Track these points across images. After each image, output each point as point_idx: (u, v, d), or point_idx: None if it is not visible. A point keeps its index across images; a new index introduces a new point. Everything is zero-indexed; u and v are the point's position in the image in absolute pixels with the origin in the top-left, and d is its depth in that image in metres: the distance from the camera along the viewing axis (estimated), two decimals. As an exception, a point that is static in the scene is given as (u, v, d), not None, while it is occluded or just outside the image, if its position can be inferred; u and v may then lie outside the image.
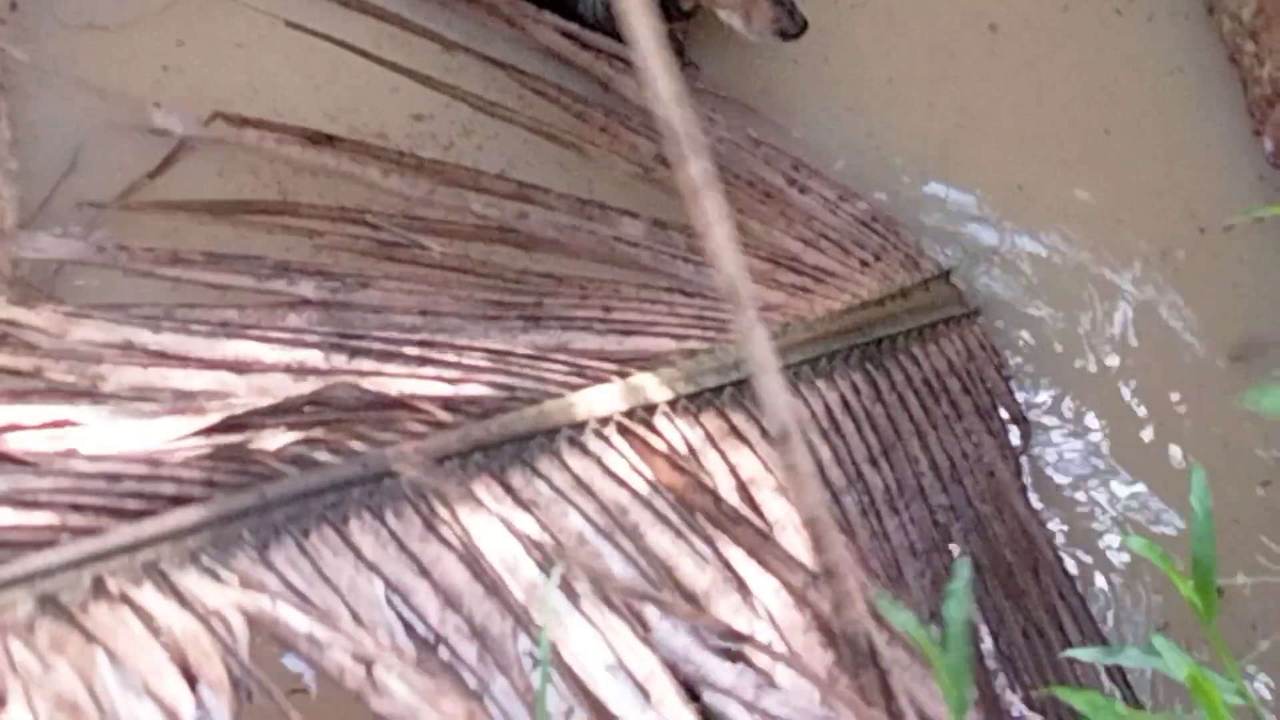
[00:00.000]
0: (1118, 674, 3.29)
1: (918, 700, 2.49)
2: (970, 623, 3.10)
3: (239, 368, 2.96)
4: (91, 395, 2.88)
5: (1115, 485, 3.54)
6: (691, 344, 3.13)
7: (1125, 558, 3.42)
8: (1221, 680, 2.27)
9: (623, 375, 2.97)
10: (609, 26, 3.64)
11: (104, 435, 2.69)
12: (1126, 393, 3.56)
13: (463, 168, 3.52)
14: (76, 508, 2.42)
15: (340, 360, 2.97)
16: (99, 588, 2.29)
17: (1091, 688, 3.22)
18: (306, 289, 3.27)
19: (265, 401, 2.77)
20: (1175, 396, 3.56)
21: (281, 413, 2.74)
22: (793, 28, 3.46)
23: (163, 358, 2.97)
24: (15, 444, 2.64)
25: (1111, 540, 3.49)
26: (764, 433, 3.01)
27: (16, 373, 2.95)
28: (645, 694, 2.50)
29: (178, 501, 2.47)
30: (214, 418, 2.72)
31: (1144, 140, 3.69)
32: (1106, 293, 3.61)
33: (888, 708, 2.17)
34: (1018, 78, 3.74)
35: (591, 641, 2.54)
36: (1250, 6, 3.60)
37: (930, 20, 3.78)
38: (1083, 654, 2.84)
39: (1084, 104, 3.71)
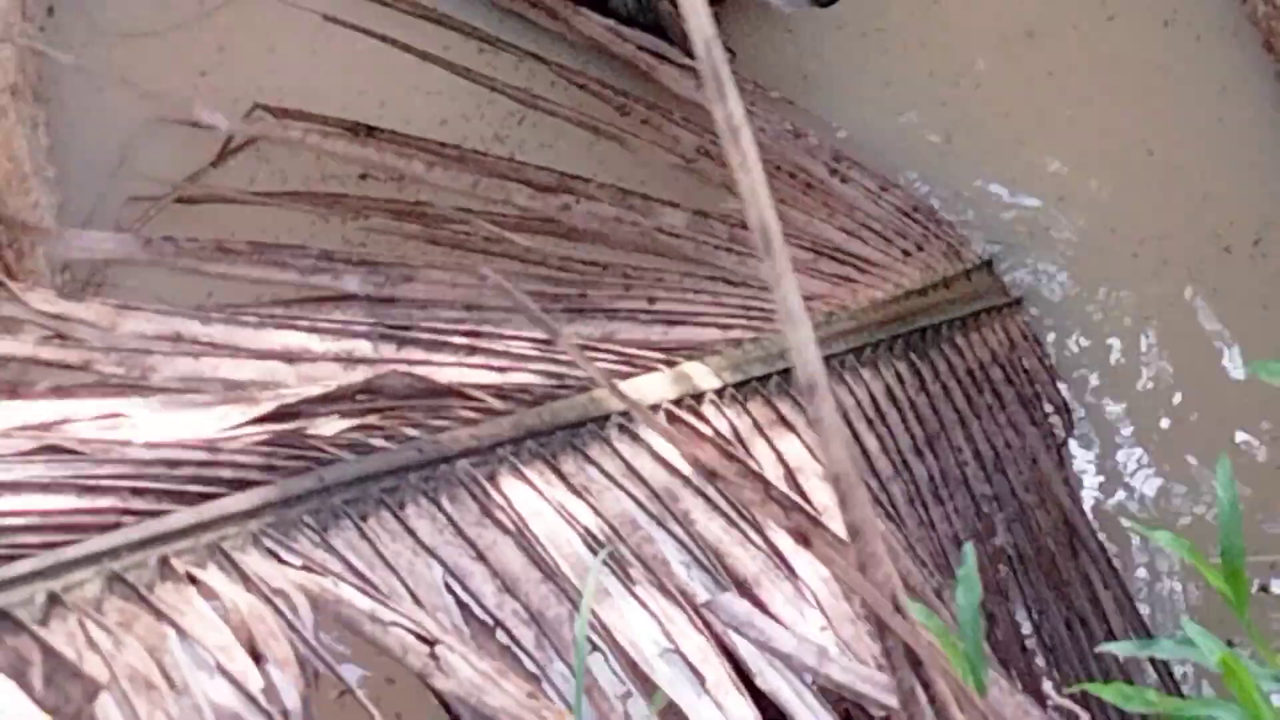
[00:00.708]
0: (1161, 664, 3.30)
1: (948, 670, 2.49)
2: (1011, 612, 3.15)
3: (288, 357, 2.98)
4: (142, 388, 2.90)
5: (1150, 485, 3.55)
6: (737, 333, 3.15)
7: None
8: (1258, 668, 2.28)
9: (670, 364, 2.98)
10: (641, 19, 3.67)
11: (157, 424, 2.71)
12: (1157, 404, 3.57)
13: (505, 159, 3.54)
14: (137, 492, 2.44)
15: (389, 349, 2.99)
16: (165, 568, 2.31)
17: (1130, 679, 3.24)
18: (351, 283, 3.29)
19: (316, 390, 2.79)
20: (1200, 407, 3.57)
21: (333, 401, 2.76)
22: None
23: (212, 348, 2.99)
24: (69, 434, 2.65)
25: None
26: (810, 421, 3.03)
27: (66, 366, 2.97)
28: (700, 678, 2.51)
29: (237, 485, 2.49)
30: (267, 406, 2.73)
31: (1183, 156, 3.69)
32: (1139, 302, 3.62)
33: (917, 674, 2.17)
34: (1055, 86, 3.75)
35: (645, 625, 2.55)
36: (1283, -15, 3.61)
37: (968, 21, 3.79)
38: (1117, 648, 2.85)
39: (1125, 118, 3.71)
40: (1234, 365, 3.56)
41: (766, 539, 2.76)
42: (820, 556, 2.71)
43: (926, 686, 2.14)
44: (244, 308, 3.15)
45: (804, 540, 2.71)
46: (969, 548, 2.38)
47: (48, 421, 2.68)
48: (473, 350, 2.97)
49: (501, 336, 3.03)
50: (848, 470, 2.02)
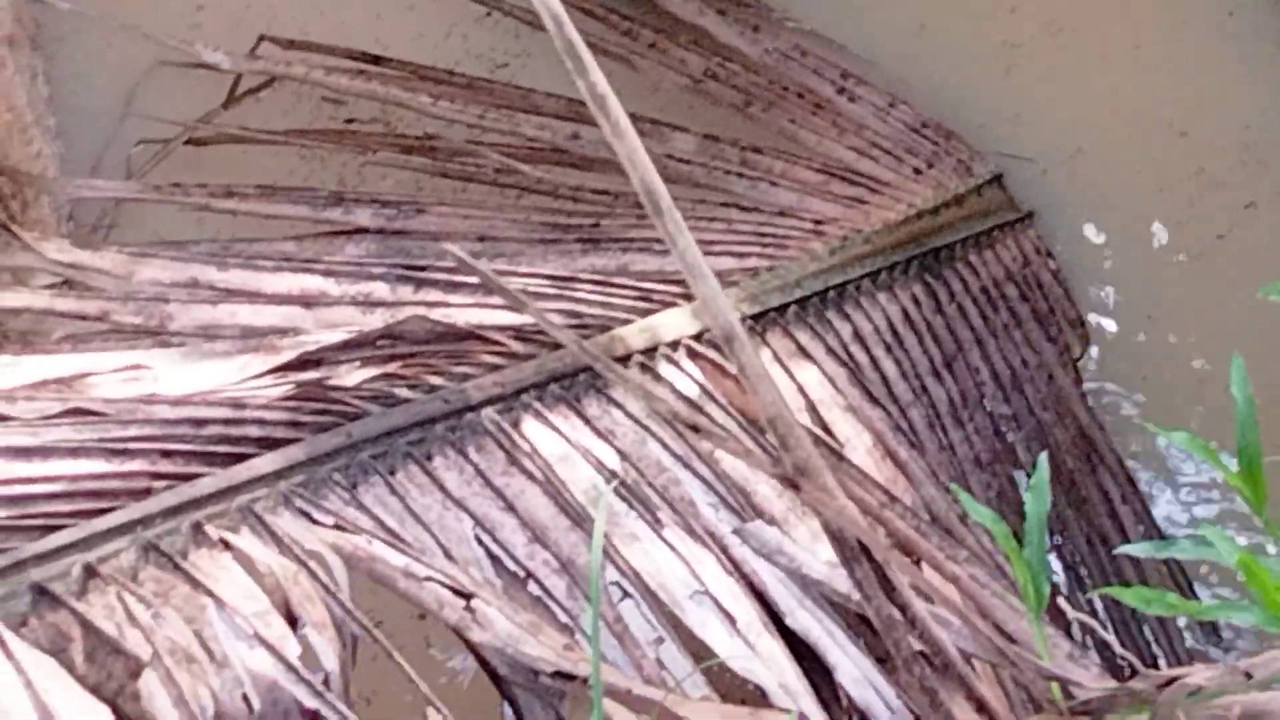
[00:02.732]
0: (1181, 577, 3.33)
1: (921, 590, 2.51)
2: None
3: (306, 301, 2.98)
4: (160, 337, 2.91)
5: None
6: (752, 262, 3.15)
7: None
8: (1276, 565, 2.29)
9: (688, 298, 2.98)
10: None
11: (179, 377, 2.71)
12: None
13: (514, 86, 3.52)
14: (166, 454, 2.45)
15: (406, 291, 2.99)
16: (198, 534, 2.33)
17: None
18: (363, 217, 3.29)
19: (337, 337, 2.79)
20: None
21: (354, 348, 2.76)
22: None
23: (229, 294, 3.00)
24: (91, 392, 2.65)
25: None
26: (829, 350, 3.03)
27: (83, 317, 2.97)
28: (731, 619, 2.53)
29: (265, 444, 2.49)
30: (288, 355, 2.74)
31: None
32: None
33: (890, 599, 2.20)
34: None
35: (675, 568, 2.56)
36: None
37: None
38: (1136, 549, 2.85)
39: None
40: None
41: (791, 474, 2.77)
42: (845, 490, 2.72)
43: (903, 610, 2.18)
44: (260, 253, 3.15)
45: (793, 486, 2.70)
46: (1043, 458, 2.39)
47: (68, 376, 2.69)
48: (490, 290, 2.96)
49: (517, 274, 3.03)
50: (783, 412, 2.05)
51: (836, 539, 2.04)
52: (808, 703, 2.48)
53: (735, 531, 2.60)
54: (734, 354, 1.87)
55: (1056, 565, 3.27)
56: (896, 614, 2.10)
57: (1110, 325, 3.55)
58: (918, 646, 2.20)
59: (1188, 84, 3.56)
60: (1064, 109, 3.58)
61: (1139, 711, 2.23)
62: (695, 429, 2.41)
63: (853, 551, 2.03)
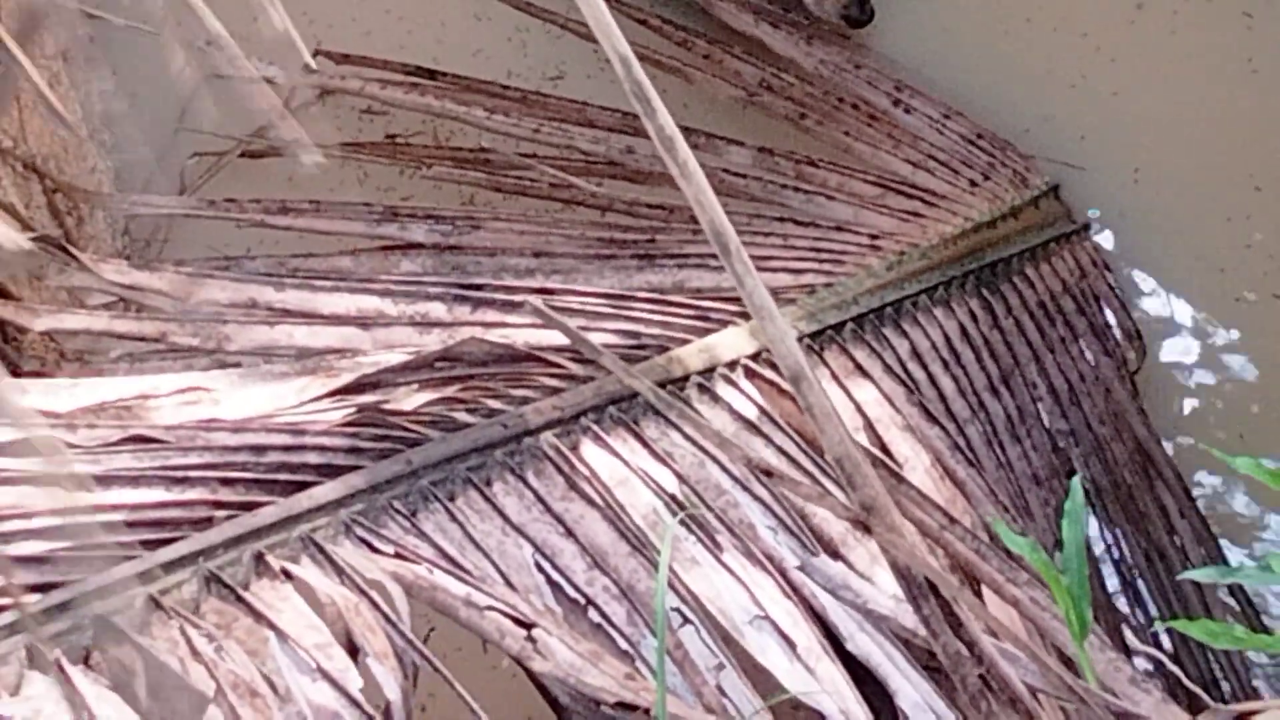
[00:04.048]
0: (1239, 593, 3.30)
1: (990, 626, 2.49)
2: (1089, 547, 3.15)
3: (363, 322, 2.98)
4: (219, 357, 2.91)
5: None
6: (809, 278, 3.14)
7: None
8: None
9: (745, 317, 2.96)
10: None
11: (238, 400, 2.71)
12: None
13: (568, 100, 3.52)
14: (227, 482, 2.45)
15: (464, 311, 2.98)
16: (260, 564, 2.33)
17: (1209, 609, 3.24)
18: (418, 233, 3.29)
19: (394, 358, 2.79)
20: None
21: (412, 370, 2.76)
22: (861, 15, 3.51)
23: (286, 315, 3.00)
24: (150, 416, 2.65)
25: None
26: (886, 367, 3.02)
27: (141, 338, 2.97)
28: (790, 644, 2.52)
29: (325, 471, 2.49)
30: (347, 378, 2.74)
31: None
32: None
33: (957, 635, 2.19)
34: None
35: (734, 593, 2.55)
36: None
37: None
38: (1199, 575, 2.83)
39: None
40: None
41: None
42: (904, 512, 2.71)
43: (970, 646, 2.17)
44: (316, 270, 3.16)
45: (864, 528, 2.68)
46: (1076, 482, 2.36)
47: (127, 398, 2.69)
48: (547, 310, 2.96)
49: (574, 292, 3.03)
50: (850, 451, 2.04)
51: (904, 576, 2.03)
52: (869, 728, 2.47)
53: (801, 568, 2.58)
54: (801, 394, 1.86)
55: (1115, 581, 3.24)
56: (964, 650, 2.08)
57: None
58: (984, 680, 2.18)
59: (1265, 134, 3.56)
60: (1131, 135, 3.58)
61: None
62: (769, 474, 2.39)
63: (920, 589, 2.02)
